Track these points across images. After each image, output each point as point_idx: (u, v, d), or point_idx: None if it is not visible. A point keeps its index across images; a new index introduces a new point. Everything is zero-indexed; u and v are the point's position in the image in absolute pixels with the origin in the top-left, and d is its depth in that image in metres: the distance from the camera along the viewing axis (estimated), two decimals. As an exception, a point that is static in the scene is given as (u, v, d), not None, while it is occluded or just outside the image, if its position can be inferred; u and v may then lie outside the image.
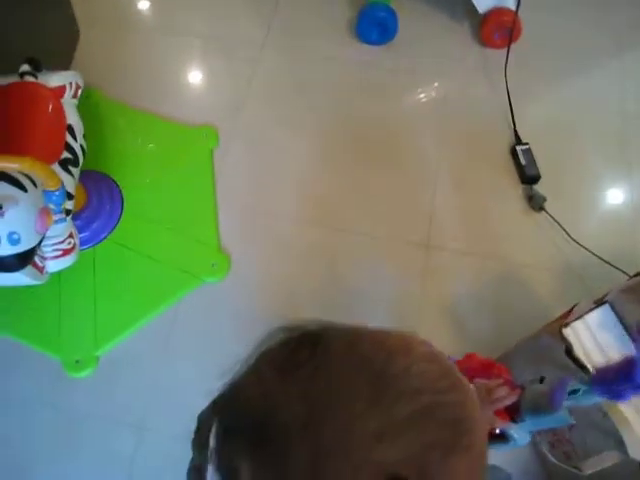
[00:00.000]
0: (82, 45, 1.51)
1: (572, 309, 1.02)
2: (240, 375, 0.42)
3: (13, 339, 1.21)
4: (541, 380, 0.73)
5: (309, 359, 0.39)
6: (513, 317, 1.27)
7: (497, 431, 0.79)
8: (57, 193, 0.93)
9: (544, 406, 0.67)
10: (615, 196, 1.49)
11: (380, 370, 0.39)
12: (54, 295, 1.23)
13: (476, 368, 0.79)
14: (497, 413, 0.78)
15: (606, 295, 1.03)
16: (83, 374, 1.18)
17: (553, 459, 1.04)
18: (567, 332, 1.00)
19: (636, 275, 0.99)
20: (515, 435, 0.77)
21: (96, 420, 1.16)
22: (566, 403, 0.68)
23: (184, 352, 1.24)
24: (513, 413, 0.75)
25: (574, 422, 0.67)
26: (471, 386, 0.44)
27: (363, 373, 0.39)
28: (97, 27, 1.56)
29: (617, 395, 0.60)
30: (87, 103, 1.41)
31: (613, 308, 1.08)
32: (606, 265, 1.33)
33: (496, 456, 1.08)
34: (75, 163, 1.11)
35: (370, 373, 0.39)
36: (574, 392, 0.65)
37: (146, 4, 1.71)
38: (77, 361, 1.18)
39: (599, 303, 1.03)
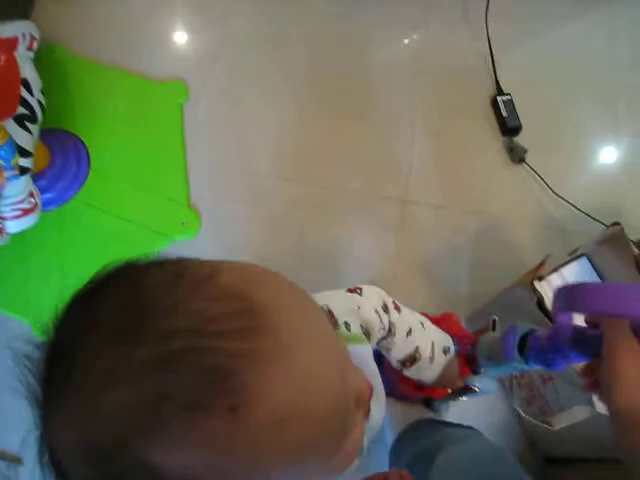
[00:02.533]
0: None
1: (544, 261, 0.99)
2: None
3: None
4: (493, 327, 0.71)
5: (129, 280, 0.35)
6: (491, 272, 1.25)
7: (462, 384, 0.78)
8: (4, 147, 0.89)
9: (498, 354, 0.64)
10: (599, 150, 1.44)
11: (147, 305, 0.33)
12: (20, 257, 1.20)
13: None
14: (459, 366, 0.76)
15: (578, 248, 1.00)
16: (52, 336, 1.16)
17: (524, 414, 1.03)
18: (540, 285, 0.98)
19: (613, 225, 0.96)
20: (478, 385, 0.75)
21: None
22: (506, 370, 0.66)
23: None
24: (473, 364, 0.73)
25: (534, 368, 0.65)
26: None
27: (128, 307, 0.33)
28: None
29: (549, 364, 0.58)
30: (50, 59, 1.36)
31: (590, 260, 1.06)
32: (588, 219, 1.30)
33: (470, 414, 1.07)
34: (32, 119, 1.07)
35: (135, 307, 0.33)
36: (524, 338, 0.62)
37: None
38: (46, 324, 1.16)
39: (574, 255, 1.01)
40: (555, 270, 1.04)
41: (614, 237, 0.94)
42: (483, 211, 1.34)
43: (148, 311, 0.32)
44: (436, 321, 0.78)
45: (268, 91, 1.44)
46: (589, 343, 0.51)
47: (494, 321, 0.73)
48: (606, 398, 0.46)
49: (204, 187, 1.32)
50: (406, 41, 1.56)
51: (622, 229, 0.92)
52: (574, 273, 1.05)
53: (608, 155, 1.43)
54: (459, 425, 0.90)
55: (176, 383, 0.30)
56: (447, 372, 0.75)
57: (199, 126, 1.37)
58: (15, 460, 1.09)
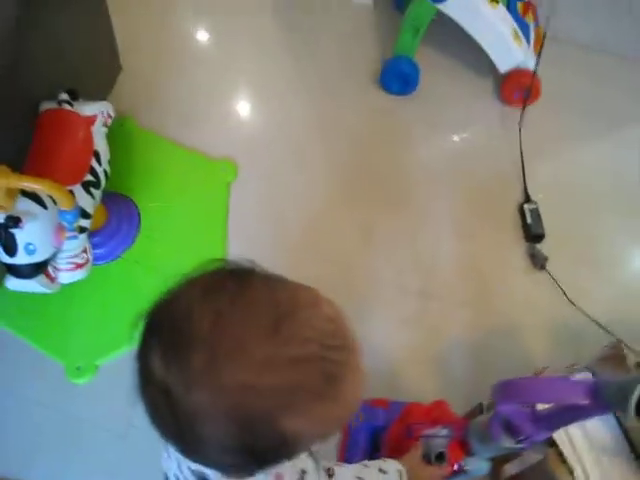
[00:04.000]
0: (122, 75, 1.63)
1: (540, 372, 1.04)
2: (173, 290, 0.49)
3: (24, 339, 1.30)
4: (481, 410, 0.77)
5: (232, 288, 0.47)
6: (500, 375, 1.28)
7: (455, 467, 0.83)
8: (71, 213, 1.02)
9: (487, 436, 0.70)
10: (620, 263, 1.50)
11: (285, 313, 0.46)
12: (66, 304, 1.31)
13: (422, 412, 0.83)
14: (452, 449, 0.81)
15: (574, 365, 1.05)
16: (82, 380, 1.26)
17: None
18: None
19: (614, 342, 1.01)
20: (469, 467, 0.80)
21: (87, 425, 1.23)
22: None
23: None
24: (466, 447, 0.79)
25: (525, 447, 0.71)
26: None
27: (271, 311, 0.45)
28: (138, 60, 1.68)
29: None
30: (121, 130, 1.52)
31: (594, 374, 1.10)
32: (602, 330, 1.34)
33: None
34: (97, 185, 1.21)
35: (277, 313, 0.45)
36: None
37: (189, 47, 1.84)
38: (78, 368, 1.26)
39: (572, 369, 1.05)
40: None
41: (613, 354, 0.98)
42: (500, 313, 1.39)
43: (288, 319, 0.45)
44: (428, 409, 0.84)
45: (312, 179, 1.56)
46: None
47: (481, 405, 0.79)
48: None
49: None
50: (444, 142, 1.68)
51: (622, 348, 0.97)
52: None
53: (629, 269, 1.48)
54: None
55: (308, 378, 0.45)
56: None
57: (243, 205, 1.50)
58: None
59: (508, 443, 0.70)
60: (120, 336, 1.30)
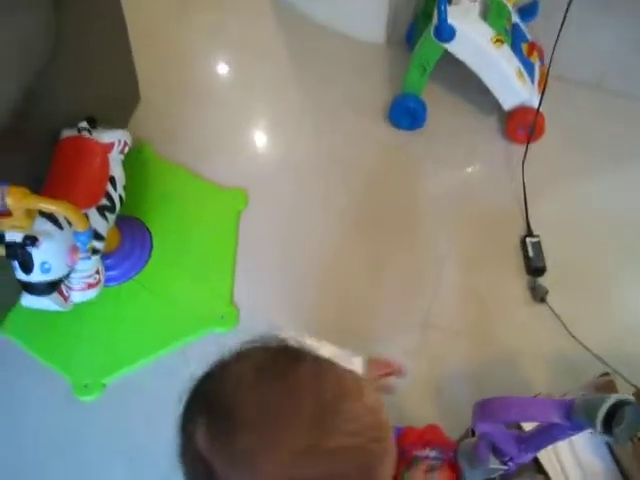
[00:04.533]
0: (141, 105, 1.71)
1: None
2: (226, 360, 0.52)
3: (34, 355, 1.35)
4: (472, 434, 0.79)
5: (282, 371, 0.49)
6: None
7: None
8: (85, 234, 1.08)
9: (474, 457, 0.72)
10: (621, 299, 1.51)
11: (330, 402, 0.47)
12: (76, 323, 1.36)
13: (415, 435, 0.85)
14: (444, 473, 0.83)
15: (565, 394, 1.06)
16: (89, 398, 1.30)
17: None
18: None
19: (603, 375, 1.03)
20: None
21: (93, 442, 1.27)
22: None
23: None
24: (458, 470, 0.80)
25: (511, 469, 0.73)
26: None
27: (316, 400, 0.47)
28: (156, 91, 1.76)
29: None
30: (138, 158, 1.60)
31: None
32: (601, 364, 1.35)
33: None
34: (111, 210, 1.27)
35: (321, 402, 0.47)
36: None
37: (205, 74, 1.92)
38: (85, 385, 1.30)
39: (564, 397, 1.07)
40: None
41: (603, 387, 1.00)
42: (500, 343, 1.41)
43: (331, 410, 0.47)
44: (421, 432, 0.86)
45: (320, 211, 1.61)
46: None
47: (472, 429, 0.81)
48: None
49: (247, 287, 1.47)
50: (451, 177, 1.72)
51: (612, 381, 0.99)
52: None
53: (629, 305, 1.49)
54: None
55: (344, 467, 0.46)
56: None
57: (252, 232, 1.55)
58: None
59: (494, 464, 0.72)
60: (128, 356, 1.35)
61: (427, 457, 0.81)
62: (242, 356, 0.52)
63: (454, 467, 0.83)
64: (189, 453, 0.49)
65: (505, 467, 0.73)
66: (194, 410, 0.50)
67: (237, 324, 1.41)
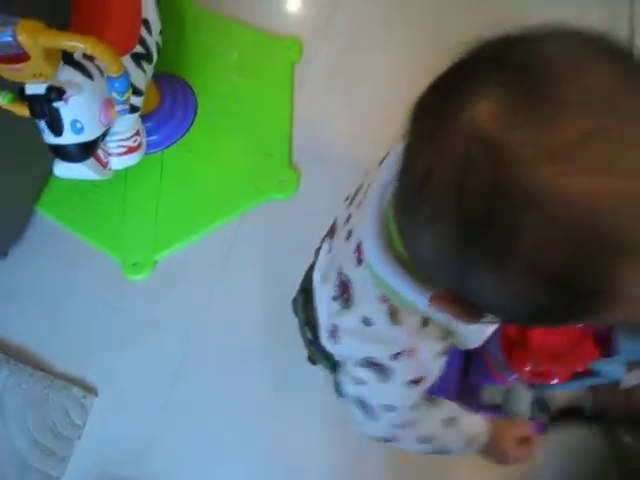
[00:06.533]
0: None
1: None
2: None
3: (78, 236, 1.22)
4: None
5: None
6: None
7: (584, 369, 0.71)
8: (120, 80, 0.89)
9: None
10: None
11: None
12: (119, 195, 1.22)
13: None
14: (586, 348, 0.68)
15: None
16: (139, 277, 1.18)
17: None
18: None
19: None
20: (606, 368, 0.68)
21: (147, 323, 1.17)
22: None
23: (241, 268, 1.20)
24: (606, 346, 0.66)
25: None
26: None
27: None
28: None
29: None
30: (172, 6, 1.36)
31: None
32: None
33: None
34: (148, 59, 1.07)
35: None
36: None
37: None
38: (135, 263, 1.18)
39: None
40: None
41: None
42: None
43: None
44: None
45: (384, 57, 1.37)
46: None
47: None
48: None
49: (307, 147, 1.27)
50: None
51: None
52: None
53: None
54: None
55: None
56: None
57: (310, 85, 1.33)
58: (91, 391, 1.12)
59: None
60: (177, 230, 1.21)
61: None
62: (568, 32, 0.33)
63: (601, 343, 0.68)
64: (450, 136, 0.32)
65: None
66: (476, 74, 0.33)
67: (298, 190, 1.24)
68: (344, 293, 0.56)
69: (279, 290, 1.17)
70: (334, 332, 0.59)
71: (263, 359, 1.13)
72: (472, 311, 0.40)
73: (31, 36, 0.76)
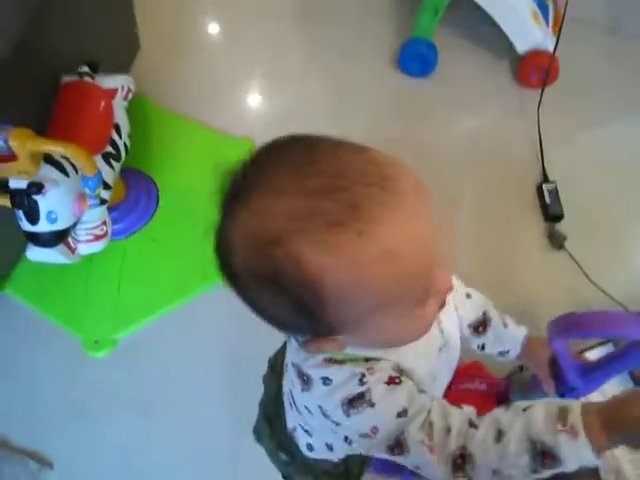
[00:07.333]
0: (142, 56, 1.64)
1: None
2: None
3: (43, 314, 1.30)
4: (521, 369, 0.78)
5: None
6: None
7: None
8: (93, 179, 1.03)
9: (532, 390, 0.71)
10: (640, 243, 1.48)
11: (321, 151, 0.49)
12: (83, 278, 1.32)
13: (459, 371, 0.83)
14: (489, 405, 0.80)
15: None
16: (100, 354, 1.27)
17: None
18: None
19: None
20: None
21: (105, 398, 1.24)
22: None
23: (197, 347, 1.30)
24: (501, 402, 0.78)
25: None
26: None
27: (309, 152, 0.49)
28: (158, 42, 1.69)
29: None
30: (140, 110, 1.53)
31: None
32: (621, 308, 1.33)
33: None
34: (117, 158, 1.22)
35: (311, 152, 0.48)
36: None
37: (208, 28, 1.84)
38: (96, 341, 1.27)
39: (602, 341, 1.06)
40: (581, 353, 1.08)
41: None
42: (517, 290, 1.38)
43: (319, 151, 0.49)
44: (464, 368, 0.84)
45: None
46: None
47: (521, 366, 0.80)
48: None
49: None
50: (463, 123, 1.67)
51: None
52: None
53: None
54: None
55: (328, 206, 0.44)
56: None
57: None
58: (47, 464, 1.17)
59: (551, 394, 0.71)
60: (137, 311, 1.31)
61: (476, 389, 0.79)
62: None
63: (500, 401, 0.81)
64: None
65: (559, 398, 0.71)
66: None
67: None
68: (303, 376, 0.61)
69: (233, 367, 1.28)
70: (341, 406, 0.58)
71: (218, 437, 1.20)
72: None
73: (22, 141, 0.90)
